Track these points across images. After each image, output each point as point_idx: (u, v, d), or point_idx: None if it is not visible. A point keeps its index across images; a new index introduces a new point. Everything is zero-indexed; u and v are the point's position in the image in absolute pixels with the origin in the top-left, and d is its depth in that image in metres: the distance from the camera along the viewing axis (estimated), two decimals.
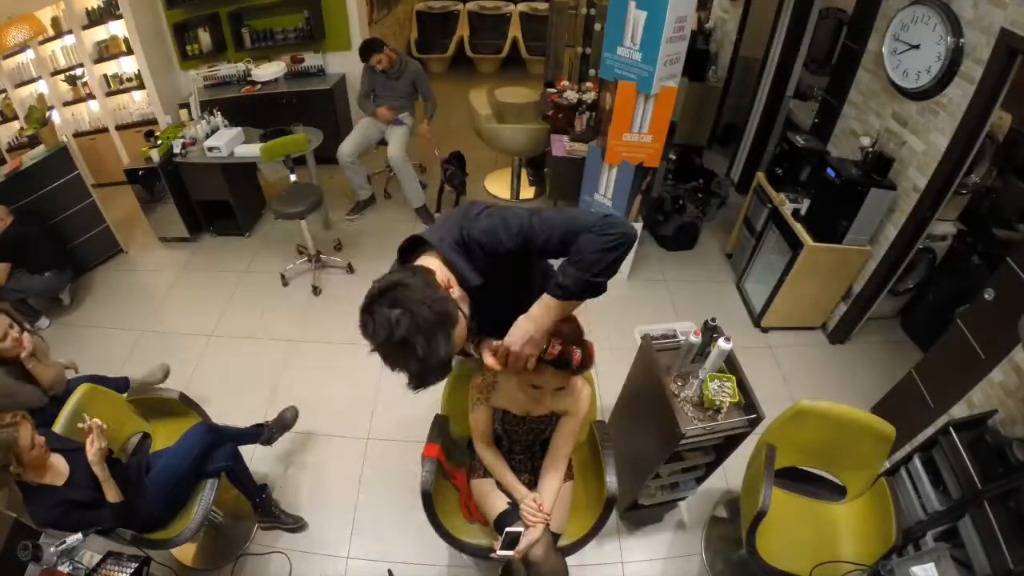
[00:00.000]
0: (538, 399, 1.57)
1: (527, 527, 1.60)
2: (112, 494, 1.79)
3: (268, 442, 2.43)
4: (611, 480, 1.75)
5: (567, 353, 1.27)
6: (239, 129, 3.98)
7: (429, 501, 1.76)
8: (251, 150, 3.75)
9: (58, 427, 1.97)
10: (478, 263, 1.23)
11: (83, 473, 1.80)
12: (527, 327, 1.23)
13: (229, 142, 3.78)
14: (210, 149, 3.75)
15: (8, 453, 1.62)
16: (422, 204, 4.26)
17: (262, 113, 4.45)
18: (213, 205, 4.10)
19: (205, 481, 2.10)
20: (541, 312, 1.23)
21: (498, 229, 1.20)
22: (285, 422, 2.50)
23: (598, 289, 1.20)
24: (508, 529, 1.54)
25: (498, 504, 1.73)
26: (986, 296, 2.19)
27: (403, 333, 1.03)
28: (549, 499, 1.66)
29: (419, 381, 1.10)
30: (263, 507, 2.29)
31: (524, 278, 1.40)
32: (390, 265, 1.30)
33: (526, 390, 1.54)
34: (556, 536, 1.74)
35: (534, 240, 1.19)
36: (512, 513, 1.69)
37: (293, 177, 3.69)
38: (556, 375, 1.35)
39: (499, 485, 1.77)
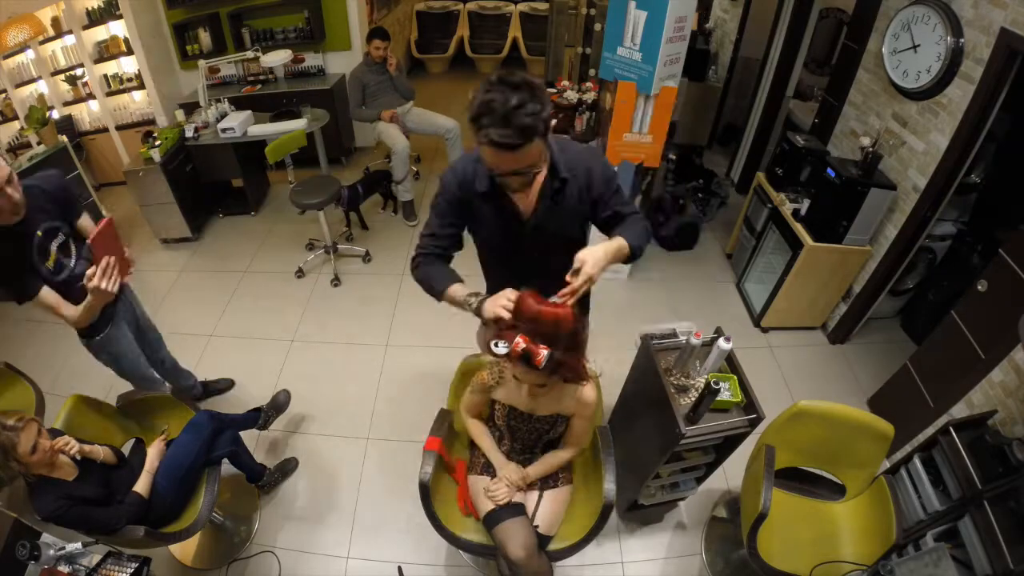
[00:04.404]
0: (535, 395, 1.59)
1: None
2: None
3: (264, 426, 2.46)
4: (609, 488, 1.74)
5: (530, 351, 1.28)
6: (249, 112, 4.16)
7: (427, 494, 1.76)
8: (264, 129, 3.95)
9: None
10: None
11: (94, 475, 1.79)
12: (600, 256, 1.41)
13: (242, 123, 3.96)
14: (224, 130, 3.90)
15: (6, 457, 1.55)
16: (410, 199, 4.28)
17: (262, 113, 4.45)
18: (218, 195, 4.38)
19: (208, 469, 2.10)
20: (613, 249, 1.46)
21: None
22: (279, 404, 2.55)
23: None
24: None
25: (489, 503, 1.74)
26: (979, 288, 2.19)
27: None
28: (534, 472, 1.77)
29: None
30: (267, 482, 2.44)
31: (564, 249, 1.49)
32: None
33: (518, 383, 1.57)
34: (547, 539, 1.75)
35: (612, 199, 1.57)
36: (500, 513, 1.70)
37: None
38: (528, 372, 1.36)
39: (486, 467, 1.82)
